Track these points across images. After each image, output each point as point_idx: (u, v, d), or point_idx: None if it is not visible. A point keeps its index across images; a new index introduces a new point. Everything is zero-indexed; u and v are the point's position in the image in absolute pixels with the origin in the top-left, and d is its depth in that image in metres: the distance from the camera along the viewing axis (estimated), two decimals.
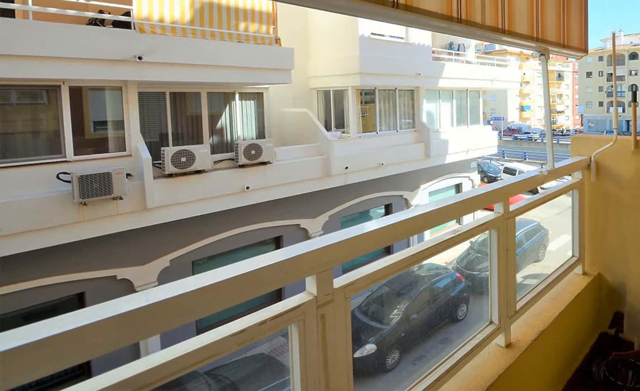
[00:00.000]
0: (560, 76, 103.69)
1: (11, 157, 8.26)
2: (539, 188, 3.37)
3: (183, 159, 9.75)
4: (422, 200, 17.99)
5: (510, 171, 35.51)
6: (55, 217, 8.15)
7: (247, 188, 11.05)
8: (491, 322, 2.62)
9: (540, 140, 68.37)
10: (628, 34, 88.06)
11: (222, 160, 11.11)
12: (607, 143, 3.61)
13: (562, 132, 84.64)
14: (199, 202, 10.25)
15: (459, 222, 12.83)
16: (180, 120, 11.02)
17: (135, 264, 9.91)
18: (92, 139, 9.38)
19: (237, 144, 11.10)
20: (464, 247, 15.87)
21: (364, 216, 15.91)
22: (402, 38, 16.18)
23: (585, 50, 3.41)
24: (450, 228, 2.29)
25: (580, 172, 3.72)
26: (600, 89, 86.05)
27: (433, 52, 17.86)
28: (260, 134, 12.69)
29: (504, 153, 50.86)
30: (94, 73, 8.65)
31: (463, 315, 13.31)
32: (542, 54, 3.00)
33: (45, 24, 8.09)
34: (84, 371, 8.35)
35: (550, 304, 3.20)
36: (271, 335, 1.42)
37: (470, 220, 2.57)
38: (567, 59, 73.78)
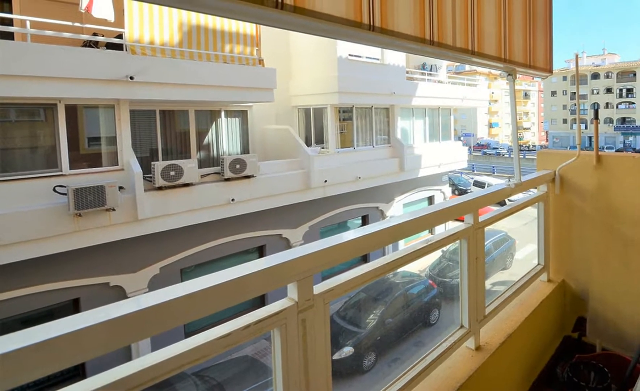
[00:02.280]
0: (526, 95, 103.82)
1: (10, 171, 8.29)
2: (506, 200, 3.34)
3: (172, 173, 9.84)
4: (397, 211, 18.19)
5: (479, 184, 35.62)
6: (52, 228, 8.19)
7: (232, 200, 11.17)
8: (462, 326, 2.64)
9: (507, 155, 68.10)
10: (590, 55, 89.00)
11: (208, 174, 11.20)
12: (570, 158, 3.66)
13: (528, 147, 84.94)
14: (187, 213, 10.32)
15: (431, 232, 12.78)
16: (170, 136, 11.09)
17: (127, 272, 9.93)
18: (87, 154, 9.40)
19: (222, 159, 11.22)
20: (436, 255, 15.90)
21: (342, 226, 15.98)
22: (377, 59, 16.34)
23: (550, 71, 3.45)
24: (423, 238, 2.32)
25: (545, 185, 3.76)
26: (564, 107, 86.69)
27: (407, 72, 18.05)
28: (245, 149, 12.78)
29: (473, 168, 50.67)
30: (88, 92, 8.72)
31: (435, 320, 13.42)
32: (509, 74, 3.03)
33: (42, 46, 8.17)
34: (78, 373, 8.37)
35: (517, 309, 3.23)
36: (255, 338, 1.41)
37: (442, 230, 2.58)
38: (533, 78, 74.43)
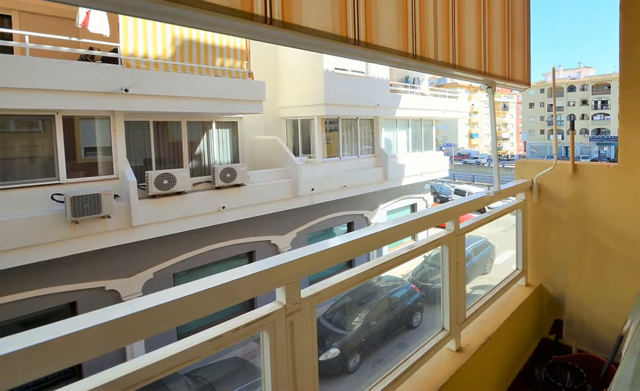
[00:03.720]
0: (505, 107, 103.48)
1: (10, 179, 8.35)
2: (486, 207, 3.32)
3: (165, 182, 9.89)
4: (381, 218, 18.27)
5: (460, 192, 35.55)
6: (50, 234, 8.24)
7: (223, 207, 11.23)
8: (443, 329, 2.67)
9: (487, 165, 68.11)
10: (567, 69, 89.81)
11: (200, 183, 11.27)
12: (547, 167, 3.69)
13: (507, 157, 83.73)
14: (180, 220, 10.37)
15: (414, 238, 12.03)
16: (163, 146, 11.16)
17: (122, 276, 10.00)
18: (83, 163, 9.43)
19: (214, 168, 11.29)
20: (418, 260, 15.87)
21: (329, 233, 16.04)
22: (362, 72, 16.45)
23: (528, 84, 3.50)
24: (406, 244, 2.31)
25: (523, 193, 3.78)
26: (542, 118, 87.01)
27: (391, 85, 18.18)
28: (235, 159, 12.88)
29: (454, 176, 50.68)
30: (85, 104, 8.77)
31: (418, 323, 13.40)
32: (489, 87, 3.06)
33: (41, 59, 8.22)
34: (75, 373, 8.37)
35: (496, 312, 3.26)
36: (245, 340, 1.44)
37: (424, 236, 2.61)
38: (511, 91, 73.69)
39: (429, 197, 21.78)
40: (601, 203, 3.41)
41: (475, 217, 3.08)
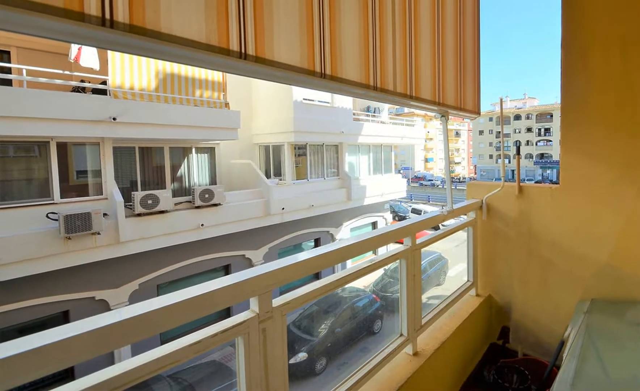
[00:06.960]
0: (457, 134, 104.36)
1: (9, 199, 8.47)
2: (440, 225, 3.34)
3: (149, 201, 10.05)
4: (345, 235, 18.43)
5: (416, 211, 35.98)
6: (45, 249, 8.37)
7: (202, 225, 11.38)
8: (401, 335, 2.70)
9: (441, 186, 68.46)
10: (513, 99, 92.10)
11: (181, 202, 11.40)
12: (496, 189, 3.74)
13: (459, 179, 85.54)
14: (163, 236, 10.50)
15: (375, 252, 12.44)
16: (147, 169, 11.26)
17: (110, 287, 10.10)
18: (75, 185, 9.52)
19: (193, 189, 11.44)
20: (379, 273, 16.13)
21: (298, 248, 16.15)
22: (328, 102, 16.70)
23: (478, 113, 3.50)
24: (367, 258, 2.35)
25: (474, 212, 3.83)
26: (491, 144, 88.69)
27: (354, 114, 18.43)
28: (213, 181, 12.97)
29: (411, 197, 51.17)
30: (77, 131, 8.92)
31: (378, 329, 13.55)
32: (442, 116, 3.06)
33: (37, 91, 8.36)
34: (68, 375, 8.33)
35: (449, 320, 3.30)
36: (221, 345, 1.42)
37: (384, 251, 2.61)
38: (463, 119, 73.06)
39: (389, 216, 21.96)
40: (544, 221, 3.48)
41: (430, 233, 3.15)
